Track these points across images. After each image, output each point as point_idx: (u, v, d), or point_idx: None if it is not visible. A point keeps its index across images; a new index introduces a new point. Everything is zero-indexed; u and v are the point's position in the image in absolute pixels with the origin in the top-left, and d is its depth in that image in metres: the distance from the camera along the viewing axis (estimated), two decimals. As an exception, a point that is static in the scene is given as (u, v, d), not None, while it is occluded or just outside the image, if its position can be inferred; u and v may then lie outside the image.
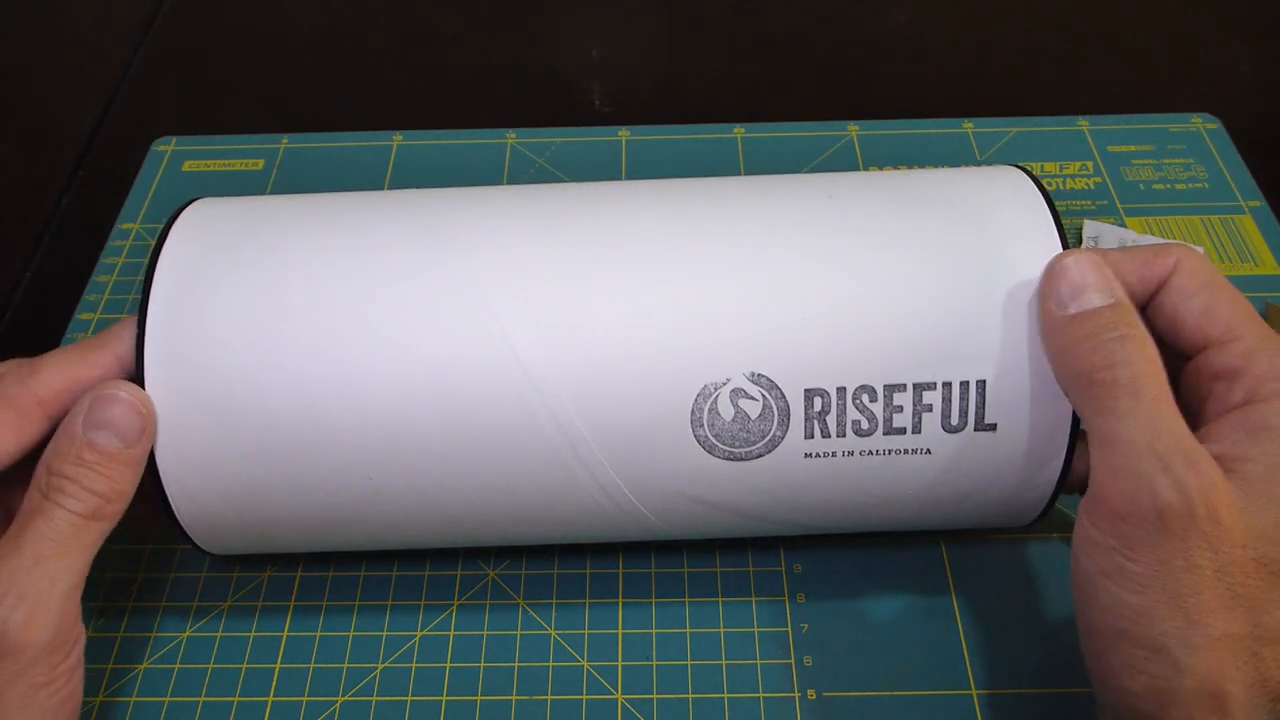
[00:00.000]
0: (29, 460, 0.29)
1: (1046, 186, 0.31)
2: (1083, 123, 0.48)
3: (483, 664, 0.33)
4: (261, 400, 0.29)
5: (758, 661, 0.33)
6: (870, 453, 0.29)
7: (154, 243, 0.30)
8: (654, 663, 0.33)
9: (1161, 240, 0.43)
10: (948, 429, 0.29)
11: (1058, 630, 0.33)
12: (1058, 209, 0.30)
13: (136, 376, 0.29)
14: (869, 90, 0.53)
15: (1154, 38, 0.55)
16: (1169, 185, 0.46)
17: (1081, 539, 0.26)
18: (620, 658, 0.33)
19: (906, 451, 0.29)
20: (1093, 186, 0.46)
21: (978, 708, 0.32)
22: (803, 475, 0.29)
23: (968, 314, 0.28)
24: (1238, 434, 0.26)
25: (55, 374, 0.29)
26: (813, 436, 0.29)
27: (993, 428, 0.29)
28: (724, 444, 0.29)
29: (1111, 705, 0.27)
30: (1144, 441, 0.25)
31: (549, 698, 0.32)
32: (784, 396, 0.28)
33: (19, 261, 0.47)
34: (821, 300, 0.29)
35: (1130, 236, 0.43)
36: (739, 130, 0.49)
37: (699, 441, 0.29)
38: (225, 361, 0.29)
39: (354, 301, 0.29)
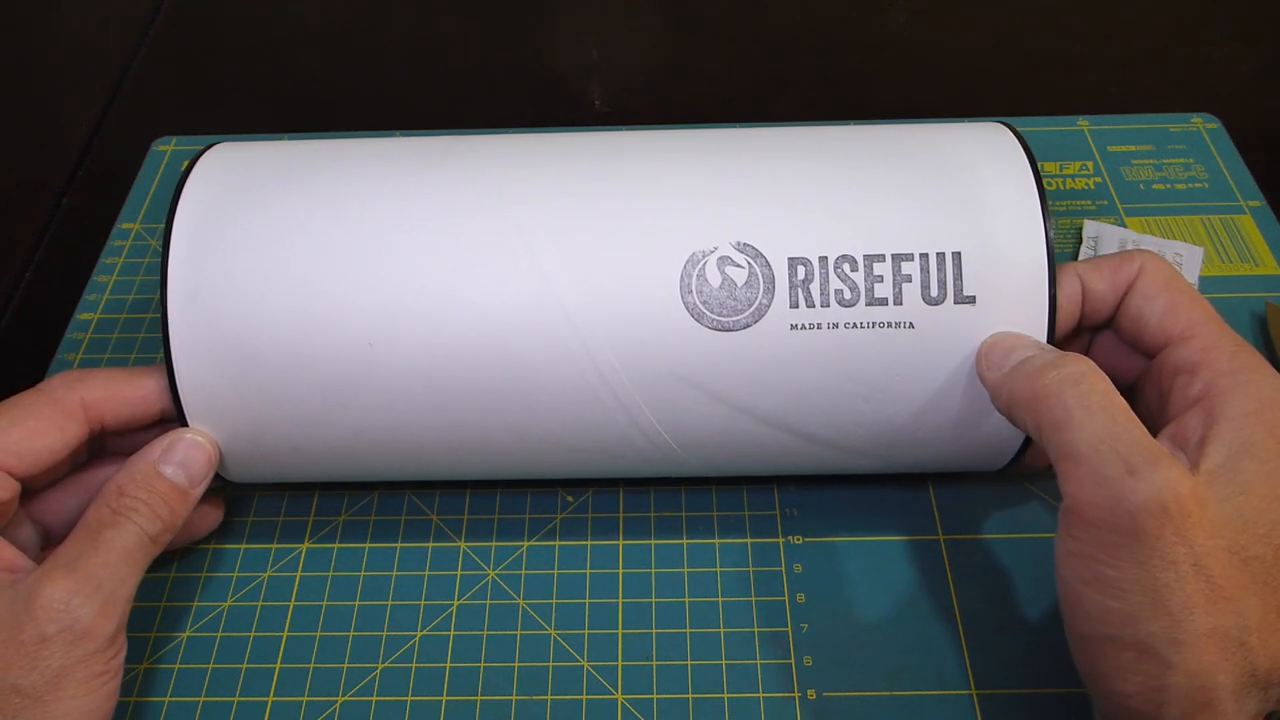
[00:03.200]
0: (59, 476, 0.32)
1: (1045, 184, 0.31)
2: (1083, 123, 0.48)
3: (483, 664, 0.33)
4: (293, 335, 0.30)
5: (758, 661, 0.33)
6: (854, 325, 0.30)
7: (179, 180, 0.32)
8: (654, 663, 0.33)
9: (1146, 243, 0.43)
10: (928, 300, 0.30)
11: (1058, 630, 0.33)
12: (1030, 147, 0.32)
13: (166, 361, 0.31)
14: (869, 90, 0.53)
15: (1154, 38, 0.55)
16: (1169, 185, 0.46)
17: (1062, 551, 0.27)
18: (620, 658, 0.33)
19: (890, 325, 0.30)
20: (1093, 186, 0.46)
21: (978, 708, 0.32)
22: (790, 352, 0.30)
23: (943, 191, 0.30)
24: (1198, 427, 0.26)
25: (101, 384, 0.31)
26: (797, 306, 0.30)
27: (971, 300, 0.29)
28: (712, 312, 0.30)
29: (1108, 710, 0.27)
30: (1105, 447, 0.25)
31: (549, 698, 0.32)
32: (769, 264, 0.30)
33: (19, 261, 0.47)
34: (804, 175, 0.31)
35: (1130, 237, 0.43)
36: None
37: (688, 309, 0.30)
38: (250, 298, 0.30)
39: (384, 237, 0.30)
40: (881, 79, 0.53)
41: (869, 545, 0.35)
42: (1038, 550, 0.35)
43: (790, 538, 0.36)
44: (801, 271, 0.30)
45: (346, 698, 0.33)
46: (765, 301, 0.30)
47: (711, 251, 0.30)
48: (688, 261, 0.30)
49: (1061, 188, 0.46)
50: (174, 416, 0.32)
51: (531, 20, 0.58)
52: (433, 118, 0.51)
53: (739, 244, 0.30)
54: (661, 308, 0.30)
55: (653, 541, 0.36)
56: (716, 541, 0.36)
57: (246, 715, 0.32)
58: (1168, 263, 0.30)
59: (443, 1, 0.59)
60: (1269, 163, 0.46)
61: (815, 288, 0.30)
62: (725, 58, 0.55)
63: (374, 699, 0.32)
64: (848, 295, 0.30)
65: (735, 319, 0.30)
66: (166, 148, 0.50)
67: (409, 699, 0.32)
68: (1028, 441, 0.32)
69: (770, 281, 0.30)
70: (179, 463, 0.30)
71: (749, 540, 0.36)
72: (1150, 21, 0.55)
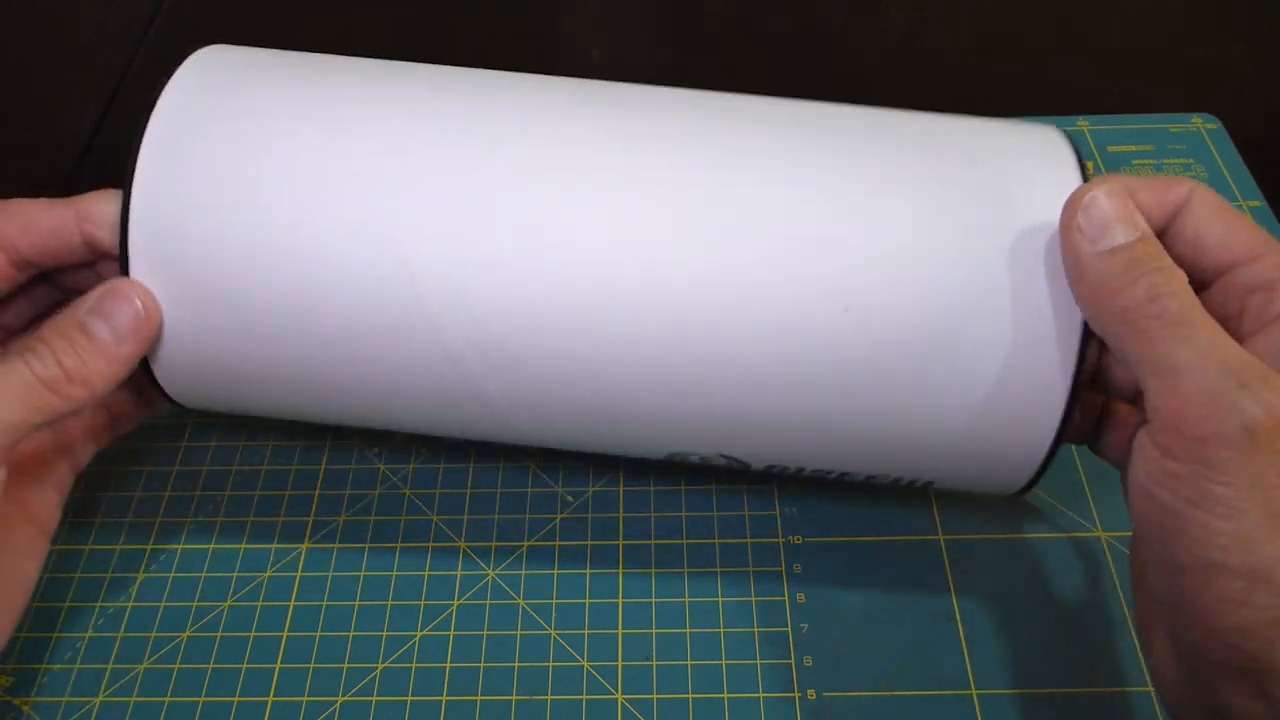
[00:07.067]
0: None
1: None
2: (1083, 123, 0.48)
3: (483, 664, 0.33)
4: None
5: (758, 662, 0.33)
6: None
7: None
8: (654, 663, 0.33)
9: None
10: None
11: (1058, 630, 0.33)
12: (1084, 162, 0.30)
13: (121, 234, 0.29)
14: (869, 90, 0.53)
15: (1154, 38, 0.55)
16: (1169, 185, 0.46)
17: (1155, 474, 0.25)
18: (620, 658, 0.33)
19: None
20: (1093, 186, 0.46)
21: (978, 708, 0.32)
22: None
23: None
24: None
25: (11, 211, 0.30)
26: None
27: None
28: None
29: (1208, 650, 0.25)
30: (1214, 363, 0.24)
31: (549, 698, 0.32)
32: None
33: (19, 261, 0.47)
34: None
35: (1130, 236, 0.43)
36: (739, 130, 0.49)
37: None
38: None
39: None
40: (881, 79, 0.53)
41: (869, 545, 0.35)
42: (1037, 550, 0.35)
43: (790, 538, 0.36)
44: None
45: (346, 698, 0.33)
46: None
47: None
48: None
49: (1061, 188, 0.46)
50: (105, 251, 0.30)
51: (532, 20, 0.58)
52: (433, 118, 0.51)
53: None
54: None
55: (653, 542, 0.36)
56: (716, 541, 0.36)
57: (246, 715, 0.32)
58: (1212, 189, 0.29)
59: (443, 1, 0.59)
60: (1269, 163, 0.46)
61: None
62: (725, 58, 0.55)
63: (374, 699, 0.32)
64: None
65: None
66: (166, 148, 0.50)
67: (409, 699, 0.32)
68: (1046, 465, 0.30)
69: None
70: (103, 314, 0.29)
71: (749, 540, 0.36)
72: (1150, 21, 0.55)
